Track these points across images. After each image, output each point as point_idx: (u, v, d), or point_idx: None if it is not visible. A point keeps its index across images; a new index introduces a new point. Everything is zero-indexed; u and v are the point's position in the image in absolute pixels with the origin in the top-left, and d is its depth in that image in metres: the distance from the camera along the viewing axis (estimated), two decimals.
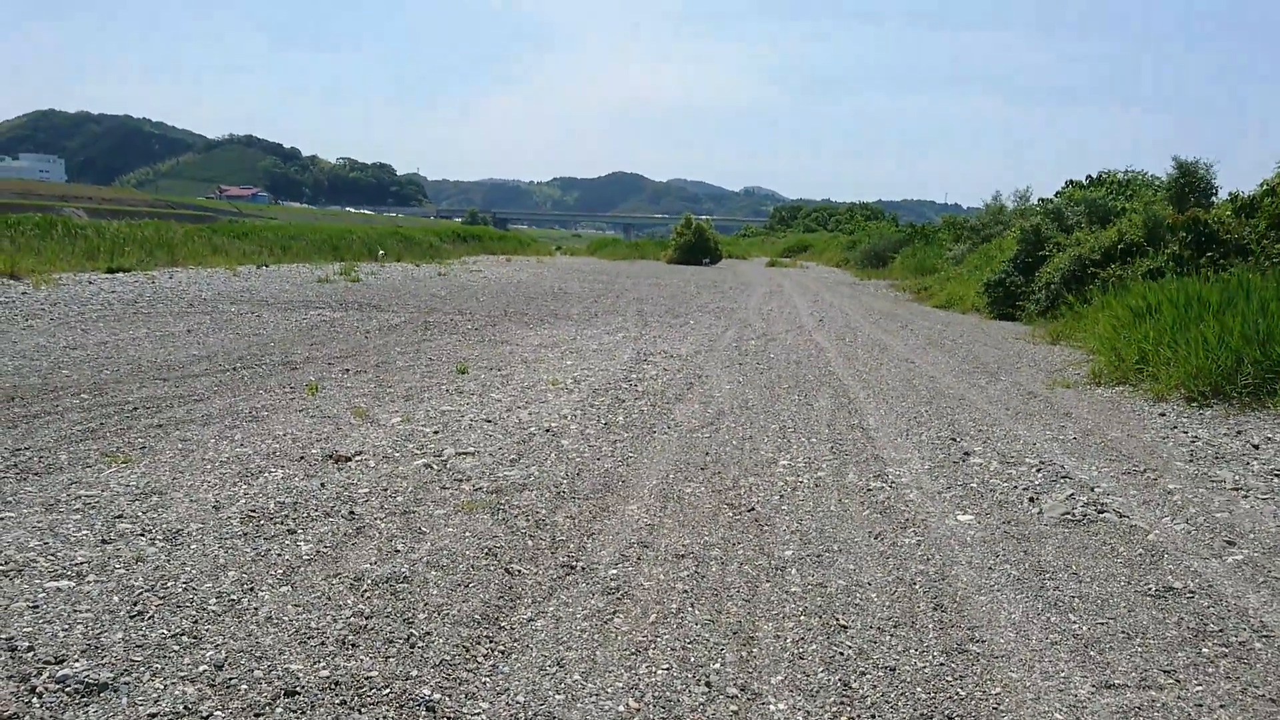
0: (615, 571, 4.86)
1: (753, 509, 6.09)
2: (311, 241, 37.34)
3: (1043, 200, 33.65)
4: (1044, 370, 13.01)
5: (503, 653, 3.98)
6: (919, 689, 3.84)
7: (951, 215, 51.97)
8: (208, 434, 7.72)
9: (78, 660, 3.71)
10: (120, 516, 5.52)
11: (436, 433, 8.07)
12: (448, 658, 3.90)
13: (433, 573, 4.75)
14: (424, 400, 9.44)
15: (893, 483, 6.87)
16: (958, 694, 3.80)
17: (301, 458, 7.03)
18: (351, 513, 5.70)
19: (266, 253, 31.54)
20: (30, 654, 3.74)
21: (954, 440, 8.36)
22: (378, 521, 5.58)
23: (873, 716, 3.62)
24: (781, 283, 35.49)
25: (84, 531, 5.23)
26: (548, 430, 8.32)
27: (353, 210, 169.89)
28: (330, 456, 7.08)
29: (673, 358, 13.34)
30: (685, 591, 4.65)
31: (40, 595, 4.32)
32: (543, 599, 4.52)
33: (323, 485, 6.29)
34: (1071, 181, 32.72)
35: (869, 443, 8.19)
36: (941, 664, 4.05)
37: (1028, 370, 13.01)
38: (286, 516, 5.59)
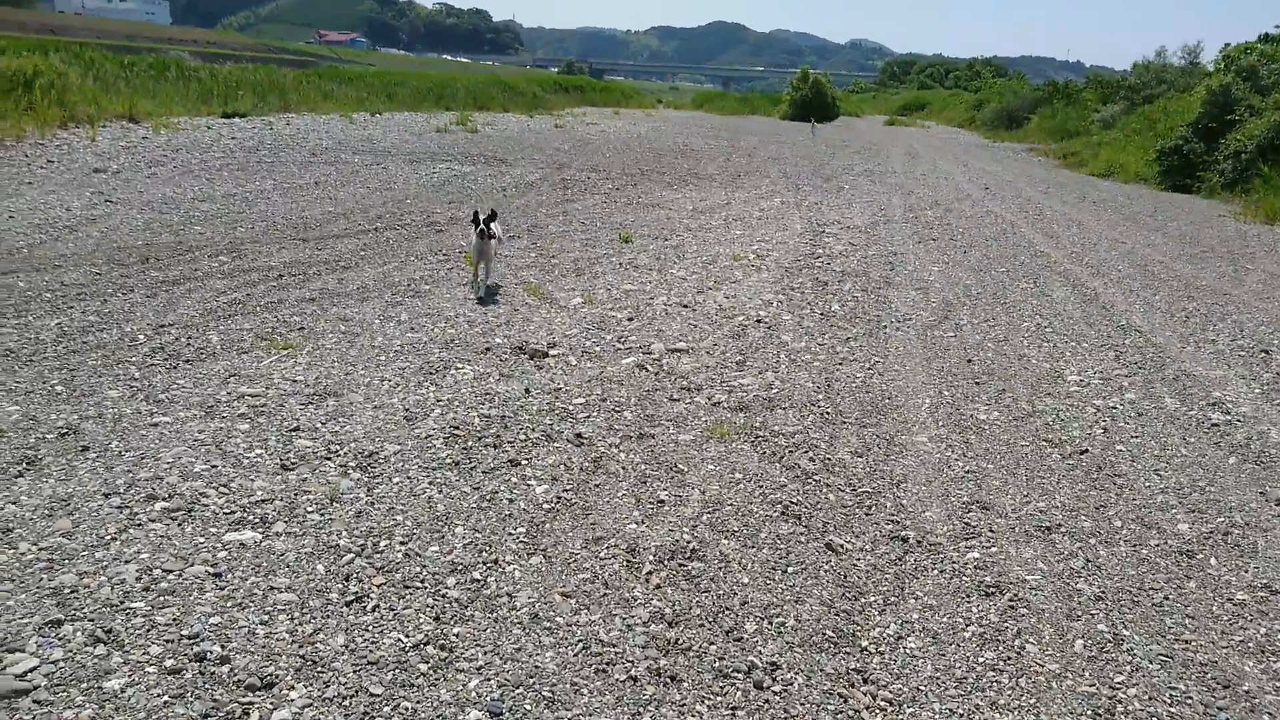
0: (975, 555, 3.46)
1: (1085, 451, 4.56)
2: (416, 89, 35.79)
3: (1227, 57, 29.55)
4: None
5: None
6: None
7: (1097, 73, 47.17)
8: (369, 312, 6.51)
9: (291, 693, 2.51)
10: (297, 429, 4.33)
11: (630, 319, 6.71)
12: None
13: (727, 543, 3.47)
14: (598, 276, 8.06)
15: (1232, 412, 5.26)
16: None
17: (487, 349, 5.76)
18: (578, 435, 4.42)
19: (372, 100, 30.11)
20: (226, 671, 2.56)
21: (1265, 352, 6.62)
22: (615, 451, 4.31)
23: None
24: (911, 144, 32.67)
25: (257, 450, 4.06)
26: (759, 321, 6.89)
27: (449, 58, 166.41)
28: (521, 349, 5.77)
29: (851, 229, 11.65)
30: (1097, 598, 3.22)
31: (220, 556, 3.17)
32: (896, 598, 3.16)
33: (527, 391, 5.03)
34: (1268, 36, 28.65)
35: (1156, 350, 6.59)
36: None
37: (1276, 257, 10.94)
38: (498, 436, 4.35)
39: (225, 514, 3.54)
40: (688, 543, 3.45)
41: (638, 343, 6.18)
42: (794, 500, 3.87)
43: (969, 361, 6.17)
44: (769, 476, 4.11)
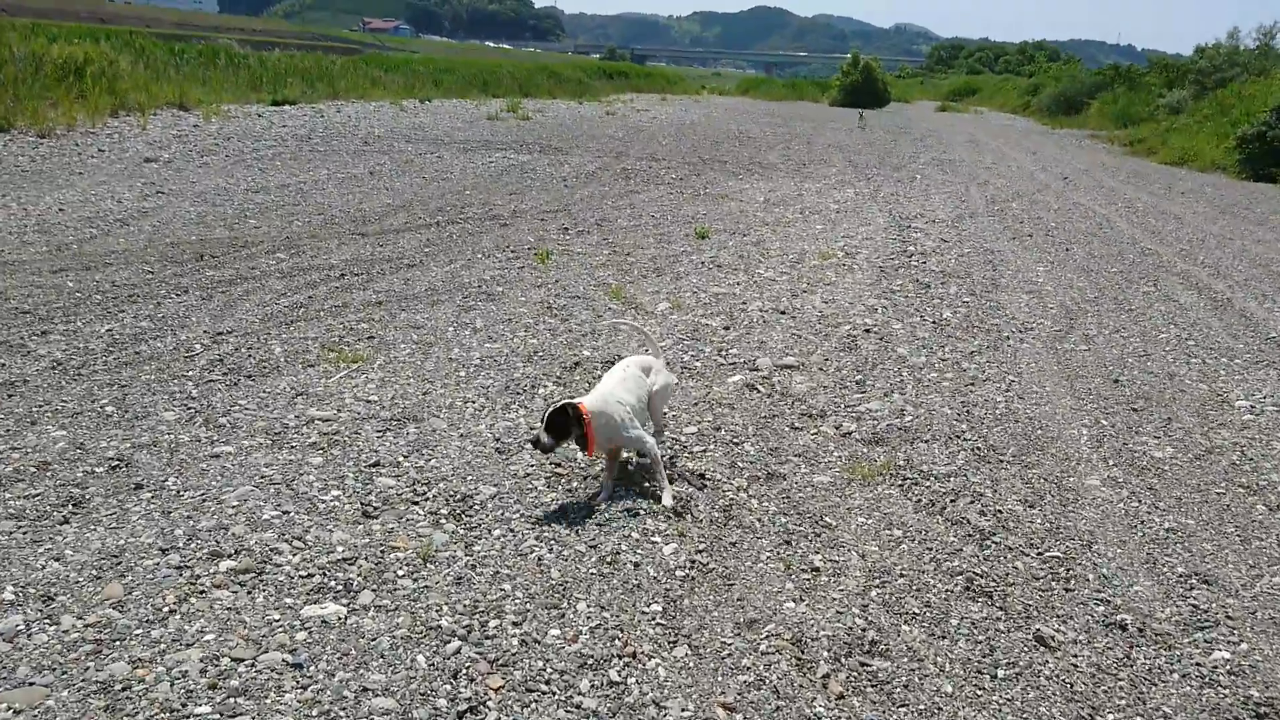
0: (1223, 656, 2.77)
1: None
2: (462, 76, 35.35)
3: None
4: None
5: None
6: None
7: (1158, 56, 45.47)
8: (440, 318, 5.92)
9: None
10: (377, 464, 3.72)
11: (726, 328, 6.03)
12: None
13: (911, 632, 2.92)
14: (681, 277, 7.40)
15: None
16: None
17: (576, 364, 5.16)
18: (700, 476, 3.83)
19: (419, 87, 29.66)
20: None
21: None
22: (745, 497, 3.74)
23: None
24: (969, 131, 31.51)
25: (333, 492, 3.46)
26: (868, 330, 6.18)
27: (491, 44, 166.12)
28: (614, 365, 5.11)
29: (936, 223, 10.87)
30: None
31: (300, 638, 2.63)
32: (1140, 717, 2.46)
33: None
34: None
35: None
36: None
37: None
38: (617, 484, 3.67)
39: (302, 577, 2.93)
40: (863, 631, 2.78)
41: (740, 356, 5.51)
42: (976, 570, 3.18)
43: (1116, 382, 5.43)
44: (935, 535, 3.42)
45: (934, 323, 6.57)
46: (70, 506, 3.37)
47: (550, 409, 3.36)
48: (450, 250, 8.03)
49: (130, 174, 10.55)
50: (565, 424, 3.35)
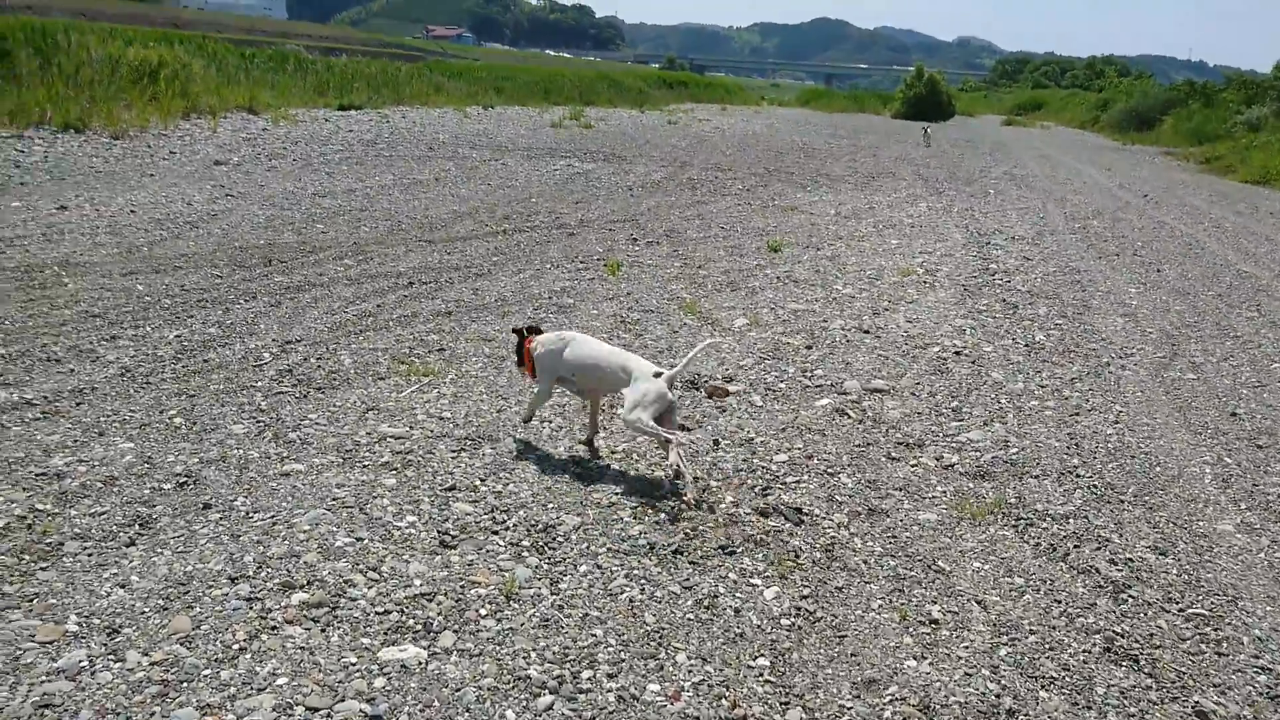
0: None
1: None
2: (524, 84, 35.52)
3: None
4: None
5: None
6: None
7: (1235, 73, 44.15)
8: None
9: None
10: (453, 488, 3.52)
11: (809, 347, 5.74)
12: None
13: (1051, 700, 2.65)
14: (757, 291, 7.11)
15: None
16: None
17: None
18: (796, 511, 3.53)
19: (482, 94, 29.79)
20: None
21: None
22: (847, 535, 3.50)
23: None
24: (1039, 146, 30.71)
25: (409, 518, 3.25)
26: (958, 353, 5.84)
27: (551, 53, 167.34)
28: (694, 384, 4.88)
29: (1017, 240, 10.45)
30: None
31: (378, 685, 2.51)
32: None
33: (716, 444, 4.21)
34: None
35: None
36: None
37: None
38: (696, 509, 3.40)
39: (378, 614, 2.71)
40: (997, 698, 2.48)
41: (826, 378, 5.21)
42: (1116, 629, 2.85)
43: (1233, 415, 5.02)
44: (1061, 585, 3.10)
45: (1027, 346, 6.21)
46: (137, 526, 3.20)
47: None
48: (519, 259, 7.85)
49: (200, 176, 10.57)
50: (520, 341, 4.04)
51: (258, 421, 4.18)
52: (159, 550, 3.06)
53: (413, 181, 11.69)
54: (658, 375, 3.61)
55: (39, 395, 4.31)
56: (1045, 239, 10.87)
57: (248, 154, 12.55)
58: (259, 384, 4.66)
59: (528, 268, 7.59)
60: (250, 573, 2.94)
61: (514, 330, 4.12)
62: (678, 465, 3.55)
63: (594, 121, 23.69)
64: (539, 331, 4.06)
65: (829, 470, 4.00)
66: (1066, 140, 35.28)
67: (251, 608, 2.75)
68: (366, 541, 3.17)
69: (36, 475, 3.55)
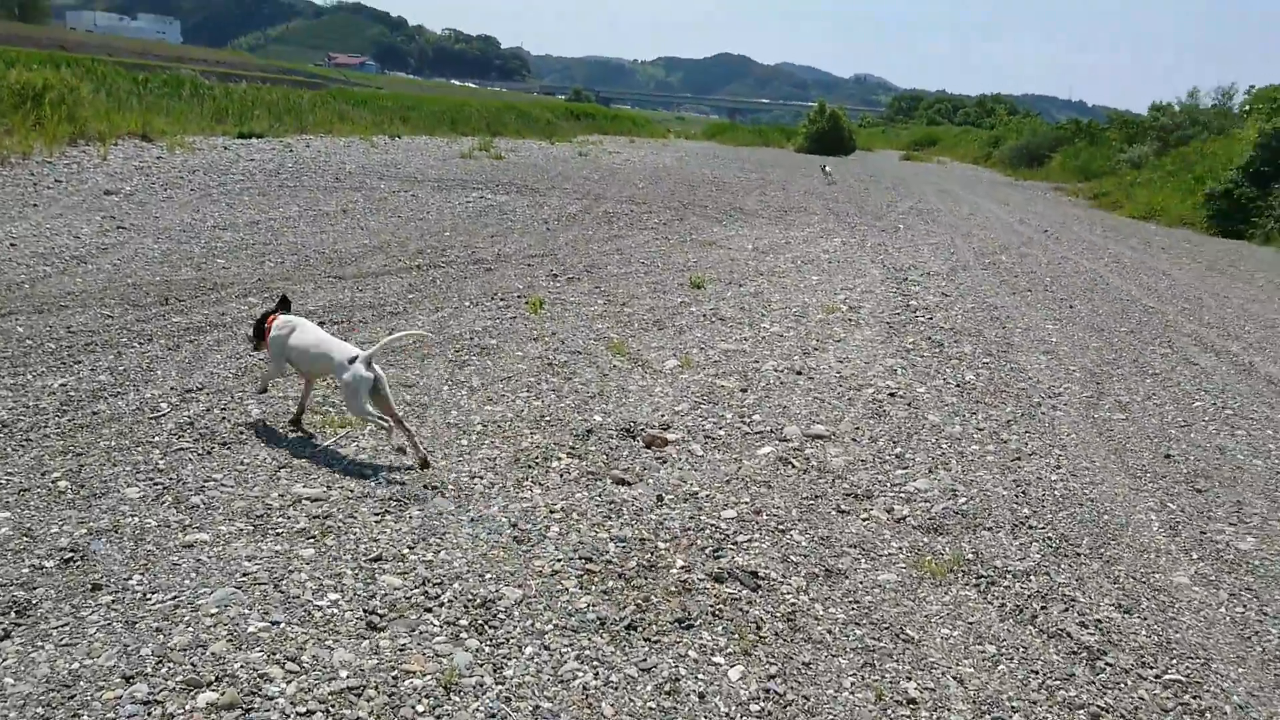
0: None
1: None
2: (430, 113, 35.03)
3: (1272, 99, 28.62)
4: None
5: None
6: None
7: (1116, 112, 46.61)
8: (433, 375, 5.42)
9: None
10: (379, 557, 3.19)
11: (744, 390, 5.58)
12: None
13: None
14: (685, 331, 6.95)
15: None
16: None
17: (589, 431, 4.67)
18: (752, 575, 3.27)
19: (387, 123, 29.20)
20: None
21: None
22: (807, 601, 3.30)
23: None
24: (937, 181, 31.68)
25: (330, 596, 2.96)
26: (892, 394, 5.76)
27: (457, 83, 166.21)
28: (630, 432, 4.68)
29: (932, 275, 10.61)
30: None
31: None
32: None
33: (660, 499, 3.90)
34: None
35: None
36: None
37: None
38: (645, 575, 3.30)
39: (300, 715, 2.36)
40: None
41: (765, 423, 5.04)
42: (1099, 703, 2.72)
43: (1168, 457, 5.05)
44: (1035, 652, 2.95)
45: (958, 386, 6.17)
46: (14, 614, 2.78)
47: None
48: (435, 297, 7.51)
49: (89, 207, 9.90)
50: (260, 326, 4.47)
51: (155, 484, 3.76)
52: (39, 644, 2.66)
53: (319, 213, 11.21)
54: (353, 360, 4.03)
55: None
56: (959, 274, 11.03)
57: (141, 183, 11.86)
58: (156, 439, 4.23)
59: (445, 306, 7.27)
60: (149, 669, 2.56)
61: (264, 315, 4.53)
62: (403, 442, 4.21)
63: (504, 152, 23.42)
64: (288, 307, 4.54)
65: (780, 527, 3.80)
66: (962, 176, 36.53)
67: (150, 713, 2.38)
68: (283, 625, 2.82)
69: None
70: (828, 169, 26.45)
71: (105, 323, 5.97)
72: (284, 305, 4.57)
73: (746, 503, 4.03)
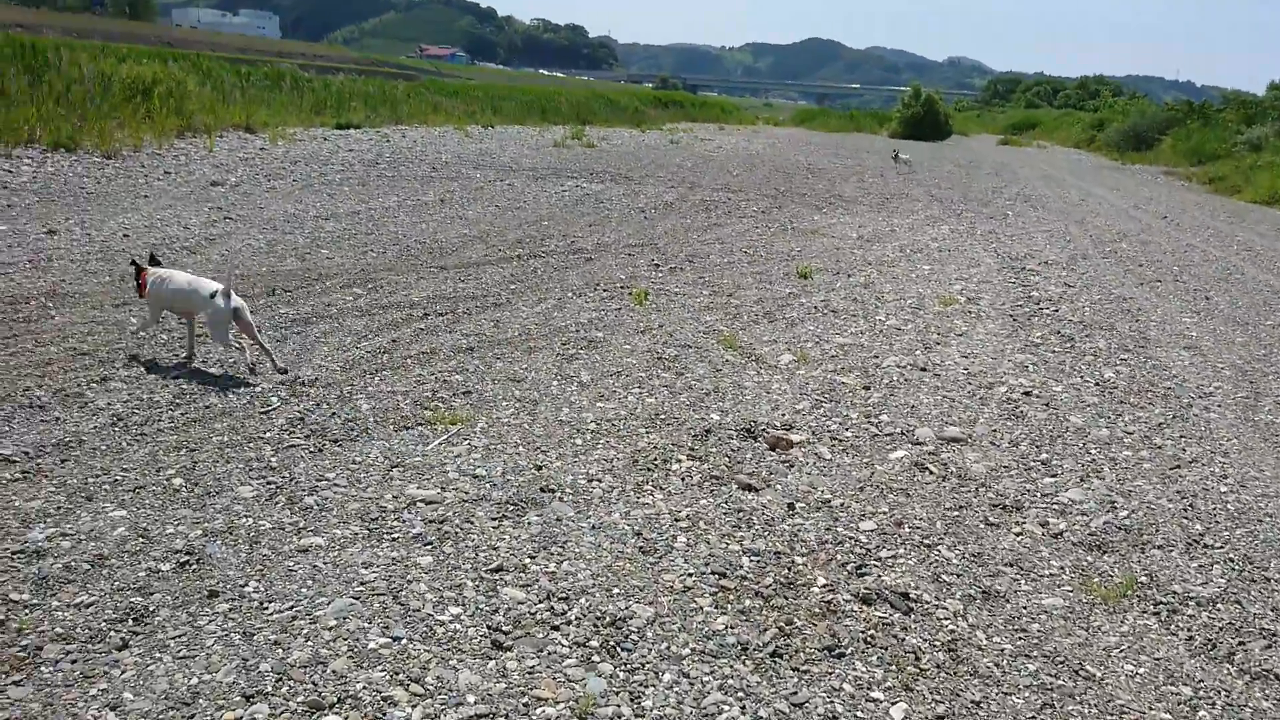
0: None
1: None
2: (521, 103, 35.15)
3: None
4: None
5: None
6: None
7: (1232, 92, 44.08)
8: (541, 368, 5.19)
9: None
10: (499, 568, 2.97)
11: (866, 389, 5.22)
12: None
13: None
14: (797, 323, 6.61)
15: None
16: None
17: (707, 431, 4.39)
18: (903, 597, 2.96)
19: (479, 113, 29.37)
20: None
21: None
22: (967, 628, 3.03)
23: None
24: (1040, 166, 30.34)
25: (451, 609, 2.76)
26: (1028, 393, 5.32)
27: (545, 72, 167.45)
28: (751, 432, 4.38)
29: (1051, 264, 10.02)
30: None
31: None
32: None
33: (791, 508, 3.60)
34: None
35: None
36: None
37: None
38: (786, 593, 3.03)
39: None
40: None
41: (894, 424, 4.69)
42: None
43: None
44: (1239, 697, 2.59)
45: (1098, 385, 5.70)
46: (131, 622, 2.66)
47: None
48: (538, 287, 7.33)
49: (197, 198, 10.04)
50: (137, 279, 4.91)
51: (268, 483, 3.63)
52: (157, 655, 2.52)
53: (418, 203, 11.18)
54: (214, 295, 4.58)
55: (19, 451, 3.76)
56: (1079, 263, 10.41)
57: (245, 174, 12.03)
58: (267, 435, 4.12)
59: (548, 297, 7.08)
60: (269, 687, 2.40)
61: (132, 262, 5.08)
62: (254, 361, 4.90)
63: (596, 141, 23.28)
64: (157, 263, 5.01)
65: (925, 541, 3.47)
66: (1065, 160, 35.02)
67: None
68: (405, 642, 2.63)
69: (13, 553, 3.00)
70: (902, 155, 24.72)
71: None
72: (154, 261, 5.05)
73: (885, 513, 3.71)
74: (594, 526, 3.45)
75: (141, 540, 3.15)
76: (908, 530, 3.58)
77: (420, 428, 4.34)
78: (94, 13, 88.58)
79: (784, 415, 4.80)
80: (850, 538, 3.48)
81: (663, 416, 4.69)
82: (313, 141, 16.39)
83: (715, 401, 4.95)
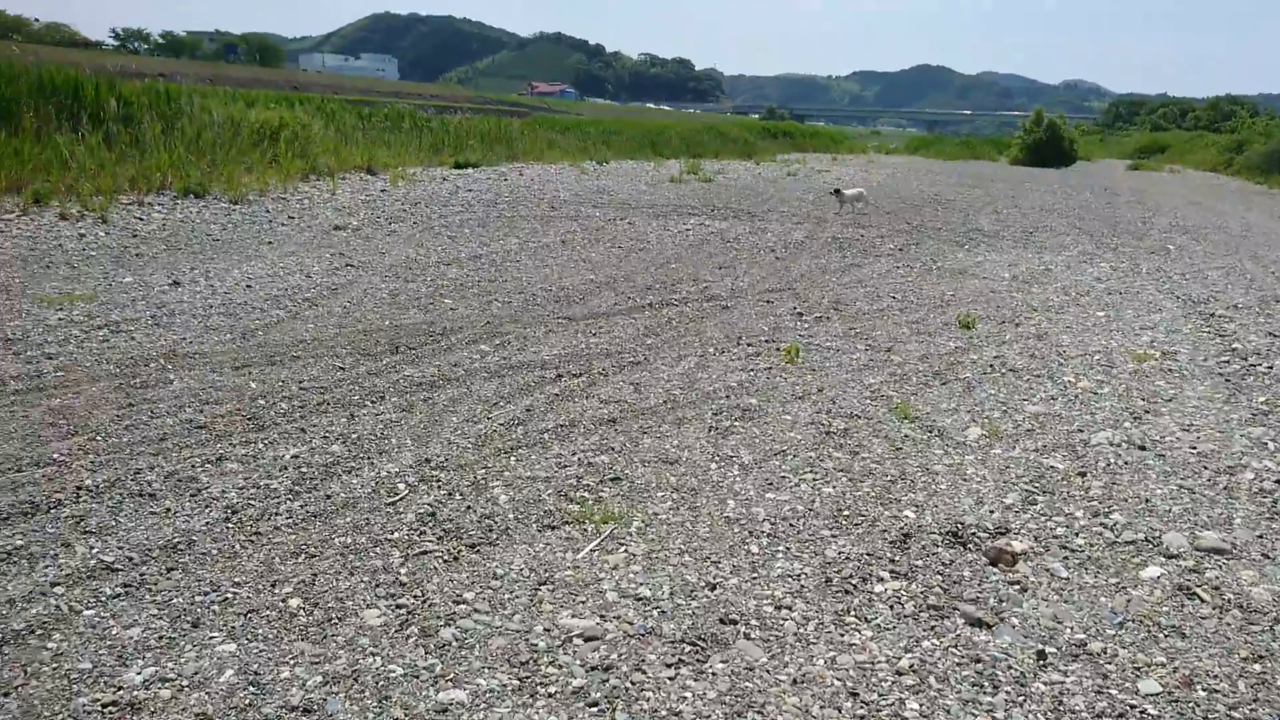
0: None
1: None
2: (631, 137, 35.03)
3: None
4: None
5: None
6: None
7: None
8: (693, 445, 4.52)
9: None
10: None
11: (1082, 475, 4.31)
12: None
13: None
14: (972, 386, 5.77)
15: None
16: None
17: (905, 536, 3.53)
18: None
19: (592, 148, 29.23)
20: None
21: None
22: None
23: None
24: (1180, 192, 28.27)
25: None
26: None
27: (653, 106, 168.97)
28: (958, 537, 3.52)
29: (1241, 309, 8.85)
30: None
31: None
32: None
33: (1041, 656, 2.73)
34: None
35: None
36: None
37: None
38: None
39: None
40: None
41: (1130, 527, 3.81)
42: None
43: None
44: None
45: None
46: None
47: None
48: (675, 342, 6.67)
49: (319, 244, 9.79)
50: None
51: (398, 605, 3.03)
52: None
53: (540, 245, 10.73)
54: None
55: (122, 556, 3.25)
56: (1272, 307, 9.19)
57: (367, 217, 11.82)
58: (395, 535, 3.53)
59: (688, 353, 6.41)
60: None
61: None
62: None
63: (712, 175, 22.70)
64: None
65: (1232, 713, 2.59)
66: (1204, 185, 32.73)
67: None
68: None
69: (104, 705, 2.43)
70: (847, 191, 16.53)
71: (337, 376, 5.48)
72: None
73: (1164, 664, 2.85)
74: (795, 681, 2.71)
75: (252, 691, 2.57)
76: (1201, 693, 2.72)
77: (567, 527, 3.69)
78: (228, 61, 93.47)
79: (993, 513, 3.97)
80: (1131, 707, 2.64)
81: (846, 513, 3.92)
82: (432, 182, 16.27)
83: (905, 492, 4.16)
